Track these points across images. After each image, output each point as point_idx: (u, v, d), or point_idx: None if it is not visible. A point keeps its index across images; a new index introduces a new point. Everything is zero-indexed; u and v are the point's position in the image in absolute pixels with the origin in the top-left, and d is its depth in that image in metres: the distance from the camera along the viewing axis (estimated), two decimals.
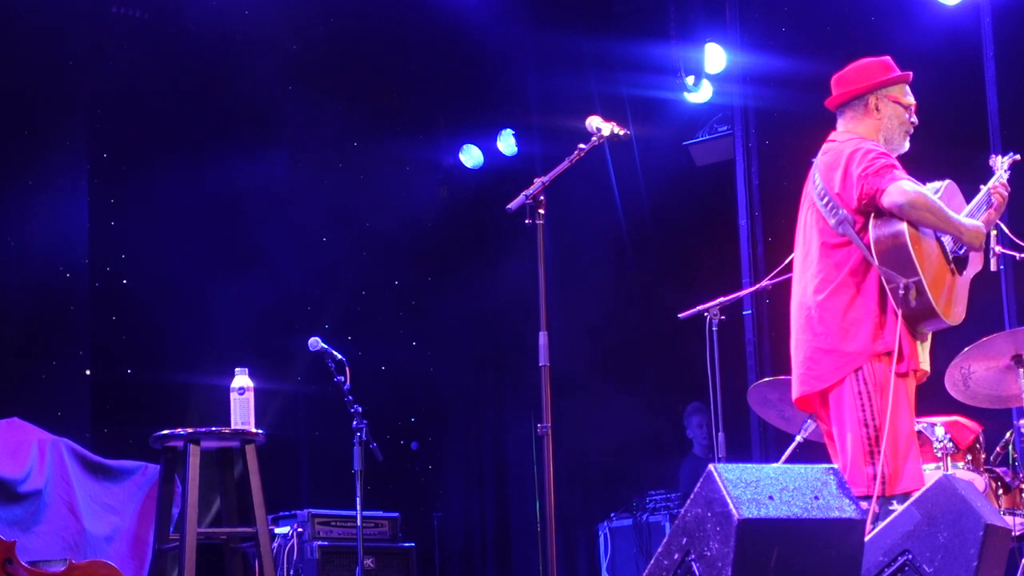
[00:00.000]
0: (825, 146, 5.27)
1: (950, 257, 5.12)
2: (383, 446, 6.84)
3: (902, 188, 4.94)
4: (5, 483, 6.87)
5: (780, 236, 7.55)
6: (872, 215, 5.01)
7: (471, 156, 10.59)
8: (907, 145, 5.29)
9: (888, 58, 5.32)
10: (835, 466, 4.39)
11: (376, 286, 10.30)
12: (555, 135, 9.63)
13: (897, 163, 5.09)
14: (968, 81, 8.00)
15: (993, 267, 5.57)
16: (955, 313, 5.09)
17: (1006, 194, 5.28)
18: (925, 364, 5.11)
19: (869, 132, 5.22)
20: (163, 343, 9.05)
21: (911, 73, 5.30)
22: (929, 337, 5.14)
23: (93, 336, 8.91)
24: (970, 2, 8.09)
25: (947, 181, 5.27)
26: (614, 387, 9.95)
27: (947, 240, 5.12)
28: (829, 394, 5.09)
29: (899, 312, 4.95)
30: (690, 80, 9.56)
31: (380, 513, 7.91)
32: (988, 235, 5.25)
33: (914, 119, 5.28)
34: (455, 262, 10.42)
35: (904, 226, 4.96)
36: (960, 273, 5.16)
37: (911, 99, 5.28)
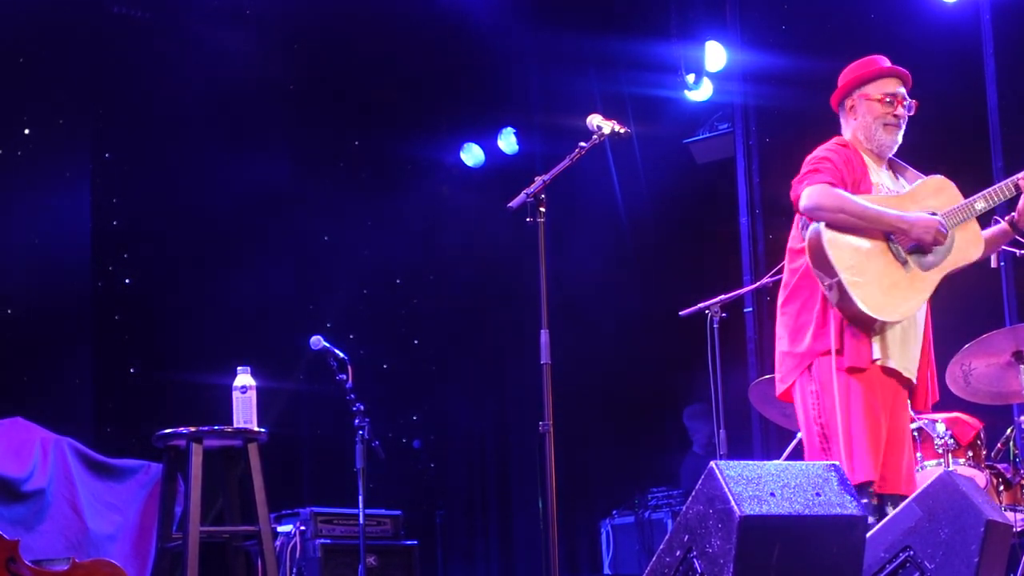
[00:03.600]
0: None
1: (902, 253, 5.11)
2: (385, 444, 6.85)
3: (809, 192, 5.04)
4: (8, 482, 6.89)
5: (781, 233, 7.53)
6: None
7: (472, 154, 10.60)
8: (897, 138, 5.27)
9: (873, 57, 5.32)
10: (836, 463, 4.40)
11: (377, 284, 10.31)
12: (556, 133, 9.64)
13: (827, 167, 5.12)
14: (968, 78, 8.01)
15: (993, 264, 5.58)
16: (897, 309, 5.06)
17: None
18: (890, 360, 5.10)
19: (853, 134, 5.30)
20: (165, 342, 9.07)
21: (886, 67, 5.27)
22: (902, 330, 5.12)
23: (95, 335, 8.93)
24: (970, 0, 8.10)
25: (933, 176, 5.26)
26: (615, 384, 9.97)
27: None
28: (793, 394, 5.21)
29: (838, 310, 5.04)
30: (691, 78, 9.56)
31: (382, 511, 7.91)
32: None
33: (898, 110, 5.23)
34: (456, 260, 10.43)
35: (820, 227, 5.04)
36: (926, 267, 5.11)
37: (890, 88, 5.23)
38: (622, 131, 5.25)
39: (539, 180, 5.07)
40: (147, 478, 7.40)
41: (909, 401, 5.27)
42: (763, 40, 9.18)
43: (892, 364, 5.10)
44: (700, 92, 9.63)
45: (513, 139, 10.45)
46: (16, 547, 5.65)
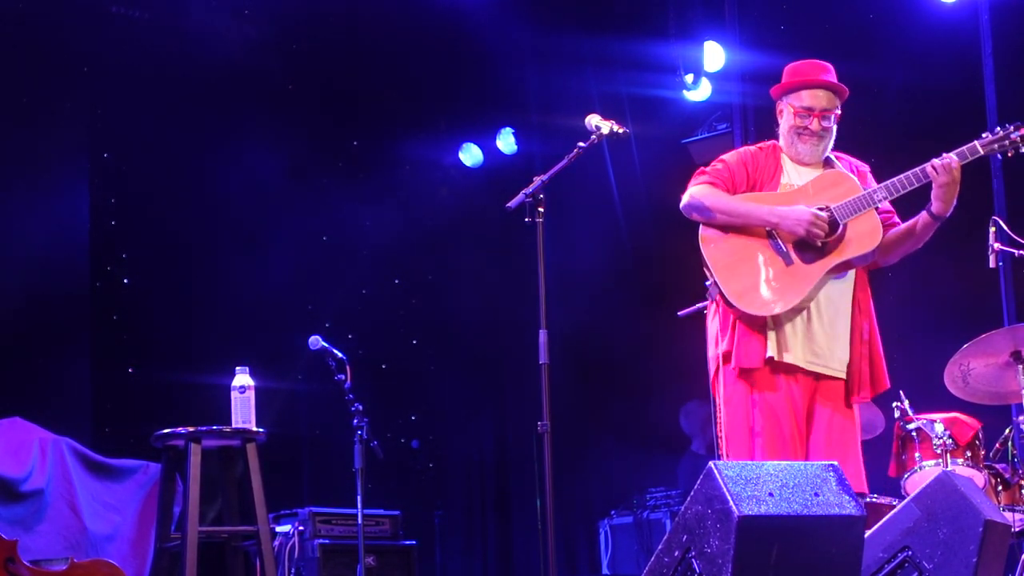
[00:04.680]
0: None
1: (783, 247, 5.12)
2: (384, 444, 6.84)
3: (687, 194, 5.29)
4: (7, 482, 6.89)
5: None
6: None
7: (471, 155, 10.60)
8: (817, 148, 5.25)
9: (809, 63, 5.29)
10: (834, 463, 4.40)
11: (376, 284, 10.31)
12: (554, 133, 9.64)
13: (715, 169, 5.26)
14: (967, 78, 8.01)
15: (992, 264, 5.57)
16: (772, 302, 5.09)
17: (947, 163, 5.00)
18: (787, 354, 5.10)
19: (780, 135, 5.35)
20: (164, 342, 9.06)
21: (806, 79, 5.24)
22: (803, 324, 5.11)
23: (94, 335, 8.92)
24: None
25: (828, 170, 5.24)
26: (614, 384, 9.96)
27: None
28: None
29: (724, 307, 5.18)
30: (689, 78, 9.56)
31: (381, 511, 7.92)
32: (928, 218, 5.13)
33: (812, 124, 5.23)
34: (455, 260, 10.43)
35: (700, 228, 5.27)
36: (811, 260, 5.11)
37: (807, 102, 5.23)
38: (620, 131, 5.27)
39: (537, 180, 5.09)
40: (145, 478, 7.40)
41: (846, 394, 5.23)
42: (762, 40, 9.18)
43: (789, 359, 5.10)
44: (698, 92, 9.63)
45: (511, 139, 10.44)
46: (15, 547, 5.65)
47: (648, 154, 9.97)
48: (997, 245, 5.59)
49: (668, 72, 9.62)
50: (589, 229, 10.04)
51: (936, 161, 5.04)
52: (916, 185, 5.08)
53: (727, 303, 5.14)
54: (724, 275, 5.13)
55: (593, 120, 5.31)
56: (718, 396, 5.19)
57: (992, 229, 5.53)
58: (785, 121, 5.31)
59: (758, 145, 5.40)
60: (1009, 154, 5.09)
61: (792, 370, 5.12)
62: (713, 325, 5.26)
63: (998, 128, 5.09)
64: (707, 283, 5.22)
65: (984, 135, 5.09)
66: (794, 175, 5.28)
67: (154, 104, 9.11)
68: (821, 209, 5.09)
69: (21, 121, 8.60)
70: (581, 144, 5.23)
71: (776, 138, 5.42)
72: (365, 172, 10.30)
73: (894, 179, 5.09)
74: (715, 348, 5.23)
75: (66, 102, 8.92)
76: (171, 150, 9.23)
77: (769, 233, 5.15)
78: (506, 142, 10.46)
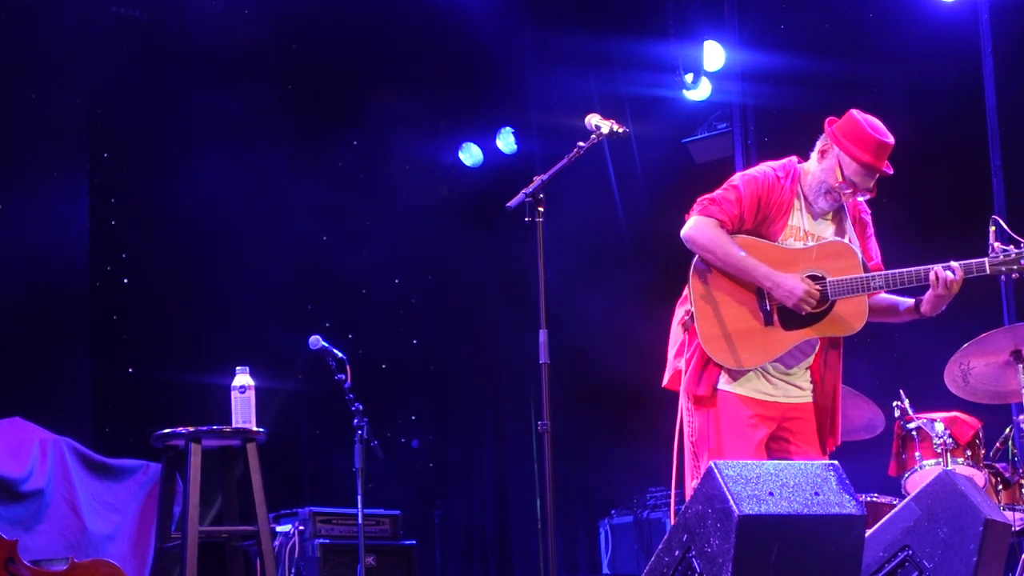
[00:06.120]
0: None
1: (768, 306, 5.08)
2: (384, 444, 6.85)
3: (692, 223, 5.13)
4: (7, 482, 6.89)
5: None
6: None
7: (471, 154, 10.60)
8: (830, 207, 5.16)
9: (878, 139, 5.05)
10: (835, 462, 4.40)
11: (376, 284, 10.31)
12: (554, 133, 9.63)
13: (726, 202, 5.11)
14: (967, 77, 8.01)
15: None
16: (736, 356, 5.06)
17: (948, 279, 5.01)
18: (741, 389, 5.08)
19: (811, 168, 5.21)
20: (164, 342, 9.07)
21: (869, 160, 5.04)
22: (764, 371, 5.10)
23: (94, 335, 8.93)
24: None
25: (834, 240, 5.15)
26: (614, 383, 9.96)
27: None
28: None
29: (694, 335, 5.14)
30: (689, 78, 9.56)
31: (381, 511, 7.92)
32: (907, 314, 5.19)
33: (845, 195, 5.11)
34: (455, 260, 10.43)
35: (695, 259, 5.15)
36: (790, 327, 5.07)
37: (857, 178, 5.07)
38: (620, 131, 5.25)
39: (537, 180, 5.08)
40: (146, 478, 7.40)
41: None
42: (761, 39, 9.18)
43: (742, 392, 5.08)
44: (698, 92, 9.63)
45: (511, 139, 10.45)
46: (15, 547, 5.65)
47: (648, 154, 9.97)
48: (997, 245, 5.57)
49: (668, 72, 9.62)
50: (589, 228, 10.04)
51: (940, 272, 5.01)
52: (915, 285, 5.06)
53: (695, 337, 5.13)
54: (702, 314, 5.09)
55: (593, 120, 5.29)
56: (681, 402, 5.16)
57: (992, 229, 5.52)
58: (824, 170, 5.13)
59: (776, 171, 5.22)
60: (1014, 276, 5.06)
61: (751, 400, 5.11)
62: (677, 331, 5.22)
63: (1011, 247, 5.06)
64: (685, 307, 5.16)
65: (994, 248, 5.08)
66: (806, 220, 5.19)
67: (154, 104, 9.12)
68: (817, 278, 5.06)
69: (21, 121, 8.60)
70: (581, 144, 5.22)
71: (791, 150, 5.34)
72: (365, 172, 10.31)
73: (895, 272, 5.05)
74: (675, 358, 5.20)
75: (66, 102, 8.93)
76: (171, 150, 9.23)
77: (760, 288, 5.11)
78: (506, 142, 10.47)
